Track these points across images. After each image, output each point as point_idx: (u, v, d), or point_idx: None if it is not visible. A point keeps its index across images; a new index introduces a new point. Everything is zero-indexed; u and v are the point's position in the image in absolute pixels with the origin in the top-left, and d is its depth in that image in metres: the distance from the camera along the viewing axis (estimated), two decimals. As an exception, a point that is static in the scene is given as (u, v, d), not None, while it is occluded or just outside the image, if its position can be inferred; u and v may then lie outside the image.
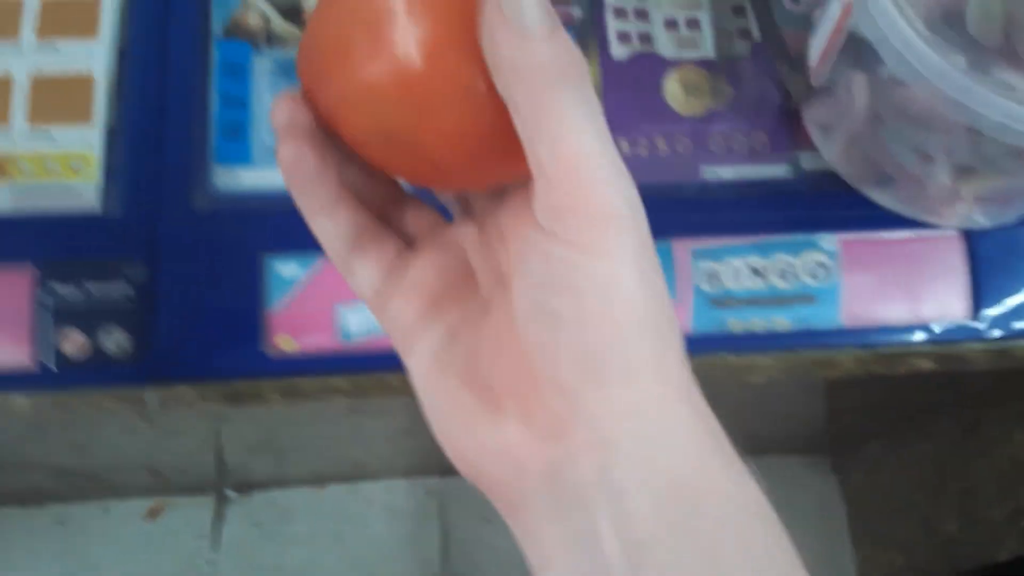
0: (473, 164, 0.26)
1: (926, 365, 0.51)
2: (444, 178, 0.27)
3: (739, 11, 0.56)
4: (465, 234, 0.29)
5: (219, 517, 1.17)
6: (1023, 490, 0.96)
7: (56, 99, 0.48)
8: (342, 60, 0.25)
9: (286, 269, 0.46)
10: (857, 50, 0.45)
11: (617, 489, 0.23)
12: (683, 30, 0.55)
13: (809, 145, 0.52)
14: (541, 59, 0.23)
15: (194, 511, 1.16)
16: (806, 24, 0.55)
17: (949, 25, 0.41)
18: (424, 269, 0.28)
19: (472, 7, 0.24)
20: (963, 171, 0.45)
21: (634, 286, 0.24)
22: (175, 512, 1.16)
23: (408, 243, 0.29)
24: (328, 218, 0.28)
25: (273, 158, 0.48)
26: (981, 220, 0.49)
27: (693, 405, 0.25)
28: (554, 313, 0.24)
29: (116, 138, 0.47)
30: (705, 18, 0.55)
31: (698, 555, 0.22)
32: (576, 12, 0.54)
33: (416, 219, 0.30)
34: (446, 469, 0.29)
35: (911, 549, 1.14)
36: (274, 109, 0.27)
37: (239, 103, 0.49)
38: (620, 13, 0.55)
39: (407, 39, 0.24)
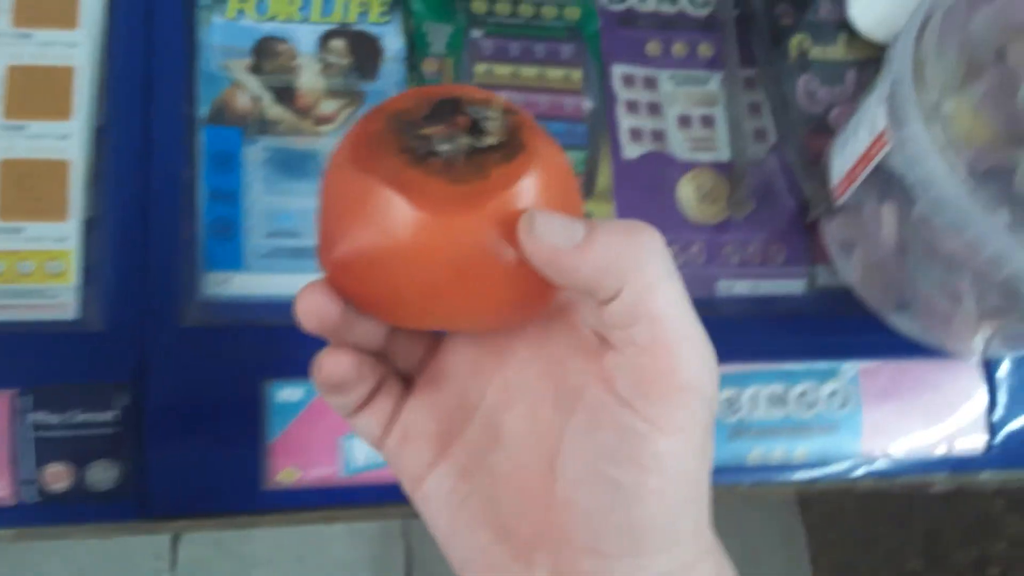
0: (493, 317, 0.27)
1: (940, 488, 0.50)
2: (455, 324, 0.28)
3: (755, 109, 0.53)
4: (456, 359, 0.29)
5: (177, 537, 1.14)
6: (989, 541, 0.97)
7: (27, 188, 0.44)
8: (353, 229, 0.26)
9: (287, 394, 0.43)
10: (887, 181, 0.43)
11: None
12: (697, 128, 0.52)
13: (826, 259, 0.50)
14: (589, 263, 0.24)
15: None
16: (825, 125, 0.53)
17: (993, 178, 0.39)
18: (423, 412, 0.28)
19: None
20: (991, 311, 0.44)
21: (695, 464, 0.25)
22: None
23: (404, 380, 0.29)
24: (342, 397, 0.28)
25: (264, 264, 0.44)
26: (1003, 352, 0.48)
27: (715, 559, 0.26)
28: (613, 483, 0.24)
29: (95, 232, 0.44)
30: (720, 116, 0.52)
31: None
32: (587, 104, 0.51)
33: (406, 351, 0.30)
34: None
35: (874, 583, 1.15)
36: (301, 307, 0.27)
37: (229, 197, 0.46)
38: (632, 107, 0.52)
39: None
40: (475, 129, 0.26)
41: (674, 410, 0.24)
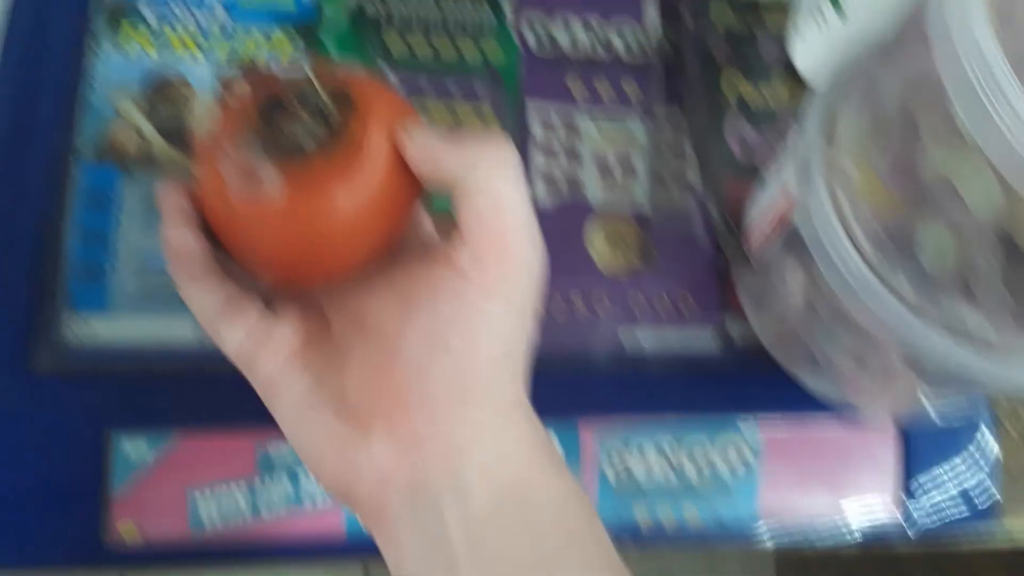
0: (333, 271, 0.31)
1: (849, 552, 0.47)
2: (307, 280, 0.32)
3: (679, 154, 0.50)
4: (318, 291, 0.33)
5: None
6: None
7: None
8: (231, 196, 0.30)
9: (135, 449, 0.40)
10: (796, 240, 0.40)
11: (463, 487, 0.28)
12: (615, 173, 0.49)
13: (738, 310, 0.47)
14: (454, 152, 0.30)
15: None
16: (753, 174, 0.50)
17: (897, 244, 0.36)
18: (284, 326, 0.32)
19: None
20: (900, 377, 0.41)
21: (516, 326, 0.30)
22: None
23: (269, 304, 0.33)
24: (200, 286, 0.31)
25: (132, 305, 0.42)
26: (915, 417, 0.45)
27: (529, 420, 0.31)
28: (444, 342, 0.29)
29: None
30: (641, 162, 0.50)
31: (526, 535, 0.28)
32: (498, 145, 0.49)
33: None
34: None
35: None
36: (162, 196, 0.32)
37: (99, 237, 0.43)
38: (548, 151, 0.49)
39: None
40: (308, 106, 0.30)
41: (505, 279, 0.29)
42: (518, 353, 0.30)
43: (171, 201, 0.32)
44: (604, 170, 0.49)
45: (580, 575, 0.28)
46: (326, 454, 0.30)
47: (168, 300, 0.42)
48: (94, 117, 0.45)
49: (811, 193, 0.37)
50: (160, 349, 0.41)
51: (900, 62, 0.35)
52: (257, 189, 0.29)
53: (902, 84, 0.35)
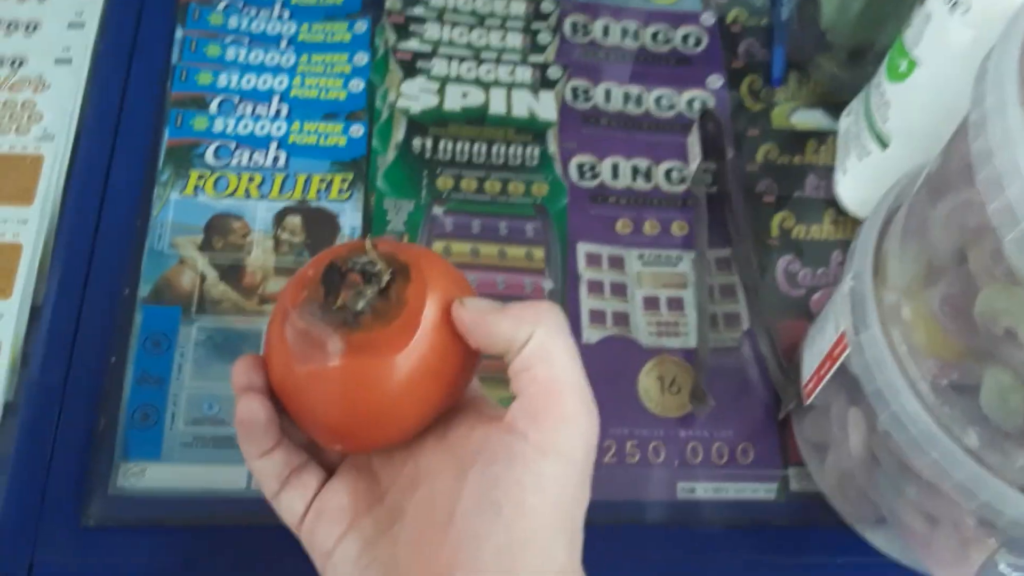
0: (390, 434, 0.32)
1: None
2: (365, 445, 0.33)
3: (728, 292, 0.50)
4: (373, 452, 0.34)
5: None
6: None
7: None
8: (294, 361, 0.31)
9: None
10: (854, 384, 0.39)
11: None
12: (664, 312, 0.49)
13: (800, 461, 0.45)
14: (508, 320, 0.31)
15: None
16: (804, 311, 0.50)
17: (958, 390, 0.35)
18: (339, 492, 0.33)
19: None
20: (975, 536, 0.39)
21: (571, 490, 0.29)
22: None
23: (329, 470, 0.34)
24: (267, 459, 0.32)
25: (185, 452, 0.42)
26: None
27: None
28: (496, 506, 0.28)
29: (10, 419, 0.42)
30: (689, 299, 0.50)
31: None
32: (547, 285, 0.49)
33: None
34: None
35: None
36: (235, 371, 0.33)
37: (157, 382, 0.44)
38: (596, 288, 0.49)
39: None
40: (367, 277, 0.31)
41: (558, 436, 0.29)
42: (573, 517, 0.30)
43: (242, 371, 0.33)
44: (653, 309, 0.49)
45: None
46: None
47: (220, 446, 0.43)
48: (155, 259, 0.47)
49: (865, 335, 0.36)
50: (211, 497, 0.41)
51: (946, 198, 0.35)
52: (318, 354, 0.30)
53: (950, 222, 0.35)
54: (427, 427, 0.32)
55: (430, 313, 0.31)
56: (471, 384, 0.35)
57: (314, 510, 0.32)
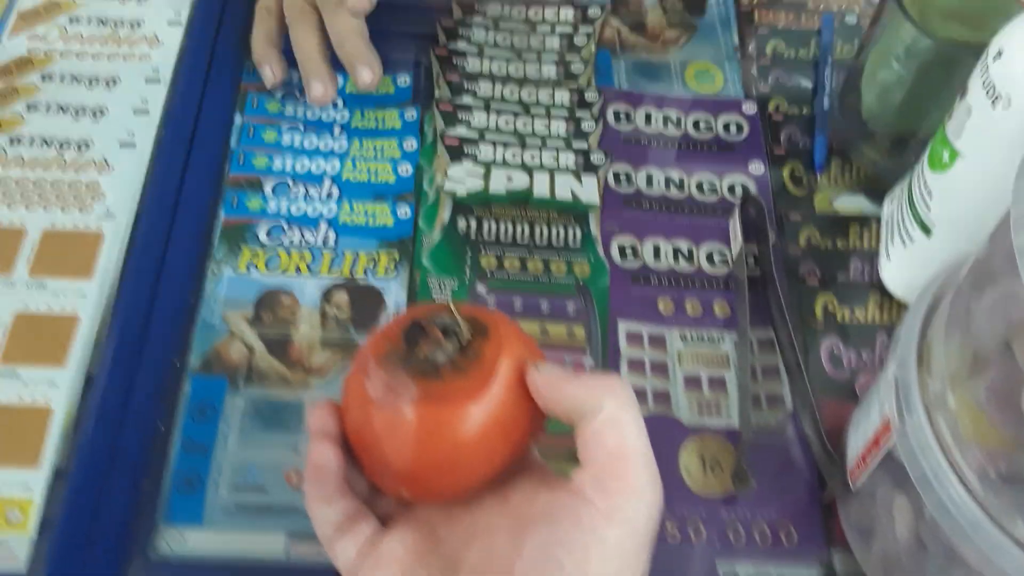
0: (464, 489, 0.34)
1: None
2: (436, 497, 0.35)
3: (771, 373, 0.50)
4: (431, 507, 0.35)
5: None
6: None
7: (6, 430, 0.44)
8: (371, 407, 0.33)
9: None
10: (900, 470, 0.38)
11: None
12: (706, 391, 0.49)
13: (844, 542, 0.44)
14: (579, 388, 0.32)
15: None
16: (848, 394, 0.49)
17: (1007, 480, 0.34)
18: (395, 541, 0.33)
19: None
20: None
21: (633, 555, 0.30)
22: None
23: (384, 521, 0.35)
24: (327, 506, 0.33)
25: (225, 519, 0.43)
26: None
27: None
28: (559, 563, 0.29)
29: (60, 483, 0.43)
30: (731, 379, 0.49)
31: None
32: (588, 362, 0.49)
33: (387, 500, 0.36)
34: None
35: None
36: (313, 415, 0.34)
37: (202, 449, 0.45)
38: (636, 366, 0.49)
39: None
40: (447, 334, 0.34)
41: (625, 504, 0.30)
42: None
43: (319, 416, 0.34)
44: (694, 388, 0.49)
45: None
46: None
47: (261, 514, 0.43)
48: (206, 331, 0.48)
49: (910, 422, 0.36)
50: (251, 564, 0.41)
51: (991, 289, 0.34)
52: (395, 400, 0.32)
53: (995, 313, 0.35)
54: (489, 486, 0.33)
55: (504, 370, 0.32)
56: (532, 452, 0.36)
57: (369, 555, 0.33)
